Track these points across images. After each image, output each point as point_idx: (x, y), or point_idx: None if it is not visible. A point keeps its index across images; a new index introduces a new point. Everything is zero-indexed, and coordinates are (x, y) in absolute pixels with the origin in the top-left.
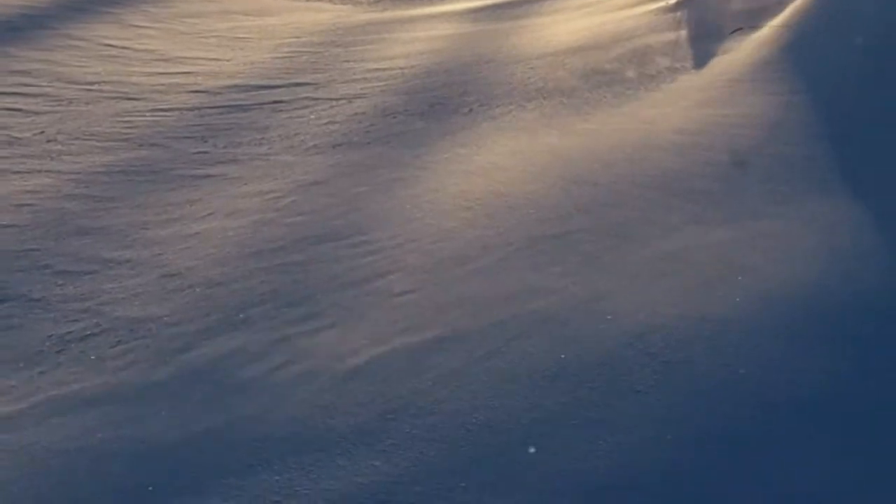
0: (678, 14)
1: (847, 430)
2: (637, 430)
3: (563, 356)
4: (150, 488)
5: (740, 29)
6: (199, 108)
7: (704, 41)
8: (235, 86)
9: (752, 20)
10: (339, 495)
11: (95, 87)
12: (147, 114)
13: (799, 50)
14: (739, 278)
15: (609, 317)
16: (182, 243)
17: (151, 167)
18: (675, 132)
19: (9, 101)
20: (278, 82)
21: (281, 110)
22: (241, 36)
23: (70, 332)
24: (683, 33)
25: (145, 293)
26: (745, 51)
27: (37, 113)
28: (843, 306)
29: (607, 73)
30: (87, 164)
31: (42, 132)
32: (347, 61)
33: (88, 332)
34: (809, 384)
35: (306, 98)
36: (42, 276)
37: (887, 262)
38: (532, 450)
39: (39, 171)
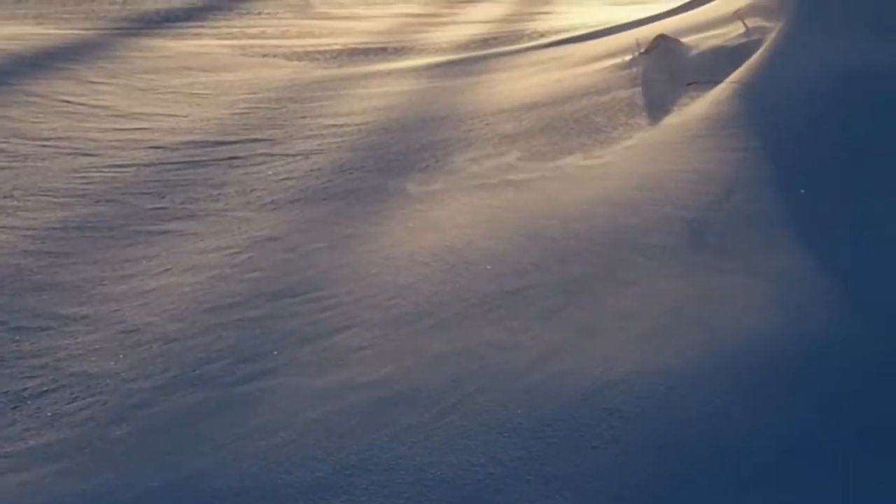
0: (633, 71)
1: (804, 478)
2: (593, 485)
3: (519, 411)
4: None
5: (695, 84)
6: (155, 164)
7: (659, 97)
8: (192, 142)
9: (707, 76)
10: None
11: (52, 142)
12: (104, 169)
13: (753, 106)
14: (694, 332)
15: (565, 372)
16: (139, 299)
17: (108, 223)
18: (630, 188)
19: None
20: (235, 138)
21: (238, 166)
22: (198, 92)
23: (26, 389)
24: (639, 90)
25: (102, 349)
26: (699, 107)
27: None
28: (795, 357)
29: (563, 129)
30: (44, 220)
31: None
32: (304, 117)
33: (45, 388)
34: (764, 434)
35: (263, 154)
36: None
37: (838, 314)
38: None
39: None
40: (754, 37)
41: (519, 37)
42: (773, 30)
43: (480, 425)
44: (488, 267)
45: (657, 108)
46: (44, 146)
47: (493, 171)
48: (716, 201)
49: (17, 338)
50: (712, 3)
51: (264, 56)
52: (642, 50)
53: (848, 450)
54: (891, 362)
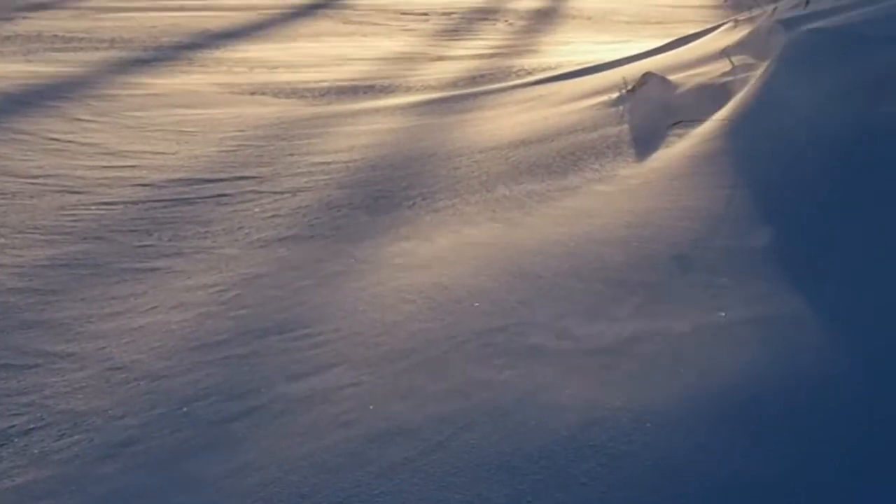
0: (620, 108)
1: None
2: None
3: (506, 448)
4: None
5: (681, 122)
6: (143, 202)
7: (647, 135)
8: (180, 179)
9: (694, 114)
10: None
11: (40, 180)
12: (92, 207)
13: (740, 143)
14: (681, 370)
15: (552, 409)
16: (126, 337)
17: (96, 261)
18: (617, 225)
19: None
20: (223, 176)
21: (225, 203)
22: (186, 129)
23: (13, 426)
24: (626, 127)
25: (89, 387)
26: (686, 144)
27: None
28: (782, 396)
29: (550, 166)
30: (31, 257)
31: None
32: (292, 155)
33: (32, 426)
34: (750, 472)
35: (251, 191)
36: None
37: (826, 352)
38: None
39: None
40: (741, 74)
41: (506, 74)
42: (760, 67)
43: (467, 462)
44: (475, 304)
45: (644, 146)
46: (32, 184)
47: (480, 208)
48: (703, 238)
49: (4, 375)
50: (699, 41)
51: (252, 93)
52: (629, 87)
53: (834, 488)
54: (878, 402)
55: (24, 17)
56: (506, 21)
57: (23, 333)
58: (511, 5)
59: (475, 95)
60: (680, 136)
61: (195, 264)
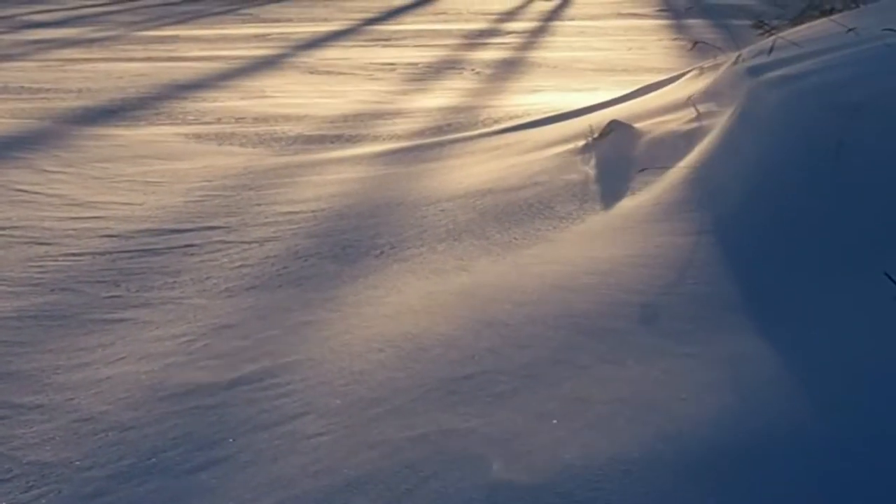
0: (586, 156)
1: None
2: None
3: (474, 496)
4: None
5: (647, 170)
6: (110, 253)
7: (612, 182)
8: (147, 230)
9: (660, 161)
10: None
11: (6, 231)
12: (59, 258)
13: (706, 190)
14: (648, 416)
15: (520, 456)
16: (94, 388)
17: (63, 312)
18: (584, 273)
19: None
20: (190, 226)
21: (193, 254)
22: (153, 180)
23: None
24: (592, 175)
25: (57, 438)
26: (652, 191)
27: None
28: (750, 441)
29: (517, 214)
30: None
31: None
32: (259, 204)
33: (0, 478)
34: None
35: (218, 241)
36: None
37: (793, 395)
38: None
39: None
40: (706, 122)
41: (473, 123)
42: (725, 115)
43: None
44: (443, 352)
45: (610, 193)
46: None
47: (447, 257)
48: (669, 285)
49: None
50: (664, 89)
51: (220, 144)
52: (595, 135)
53: None
54: (846, 446)
55: None
56: (472, 70)
57: None
58: (477, 55)
59: (442, 144)
60: (646, 183)
61: (163, 314)
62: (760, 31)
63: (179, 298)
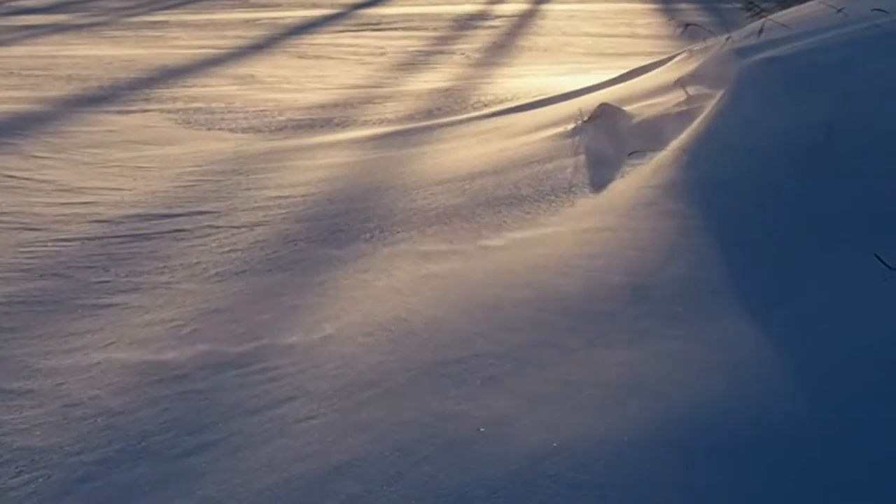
0: (576, 139)
1: None
2: None
3: (465, 480)
4: None
5: (637, 153)
6: (100, 238)
7: (602, 165)
8: (137, 215)
9: (649, 144)
10: None
11: None
12: (49, 244)
13: (695, 172)
14: (639, 399)
15: (510, 440)
16: (84, 373)
17: (53, 297)
18: (574, 256)
19: None
20: (180, 211)
21: (183, 239)
22: (143, 165)
23: None
24: (581, 158)
25: (46, 423)
26: (642, 174)
27: None
28: (740, 423)
29: (507, 198)
30: None
31: None
32: (249, 189)
33: None
34: (710, 500)
35: (208, 226)
36: None
37: (783, 377)
38: None
39: None
40: (696, 105)
41: (463, 107)
42: (715, 97)
43: (426, 494)
44: (433, 336)
45: (600, 176)
46: None
47: (437, 240)
48: (659, 267)
49: None
50: (654, 72)
51: (209, 129)
52: (585, 118)
53: None
54: (834, 426)
55: None
56: (462, 54)
57: None
58: (467, 39)
59: (432, 128)
60: (635, 166)
61: (153, 299)
62: (750, 14)
63: (169, 283)
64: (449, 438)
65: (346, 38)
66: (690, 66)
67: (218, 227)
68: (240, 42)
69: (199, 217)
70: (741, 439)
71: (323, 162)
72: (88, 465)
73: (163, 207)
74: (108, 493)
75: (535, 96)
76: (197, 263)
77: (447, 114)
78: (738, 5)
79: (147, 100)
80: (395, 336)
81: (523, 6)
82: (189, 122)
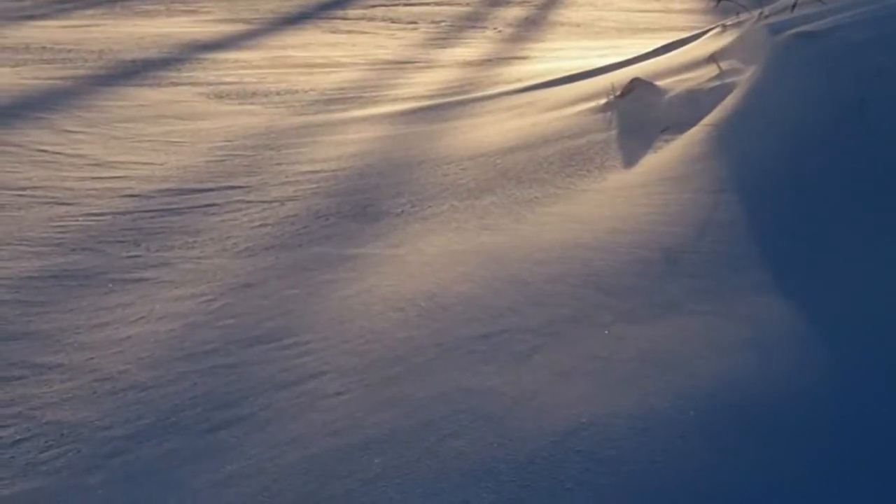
0: (608, 114)
1: None
2: None
3: (493, 455)
4: None
5: (669, 128)
6: (131, 212)
7: (634, 140)
8: (168, 189)
9: (682, 119)
10: None
11: (28, 192)
12: (80, 218)
13: (727, 148)
14: (668, 375)
15: (539, 415)
16: (114, 347)
17: (84, 271)
18: (605, 231)
19: None
20: (211, 185)
21: (213, 213)
22: (174, 140)
23: (0, 438)
24: (614, 133)
25: (76, 398)
26: (674, 149)
27: None
28: (769, 400)
29: (538, 173)
30: (19, 269)
31: None
32: (280, 164)
33: (19, 437)
34: (737, 476)
35: (239, 201)
36: None
37: (811, 356)
38: None
39: None
40: (729, 79)
41: (494, 82)
42: (748, 72)
43: (455, 469)
44: (463, 311)
45: (632, 151)
46: (20, 195)
47: (468, 215)
48: (689, 243)
49: None
50: (687, 47)
51: (241, 103)
52: (617, 93)
53: (817, 493)
54: (861, 407)
55: (11, 29)
56: (494, 29)
57: (9, 345)
58: (499, 13)
59: (463, 103)
60: (668, 141)
61: (183, 274)
62: None
63: (199, 258)
64: (478, 414)
65: (379, 12)
66: (723, 41)
67: (249, 201)
68: (271, 16)
69: (230, 192)
70: (769, 419)
71: (354, 137)
72: (118, 440)
73: (194, 182)
74: (137, 468)
75: (567, 71)
76: (227, 238)
77: (479, 88)
78: None
79: (178, 74)
80: (424, 311)
81: None
82: (220, 97)
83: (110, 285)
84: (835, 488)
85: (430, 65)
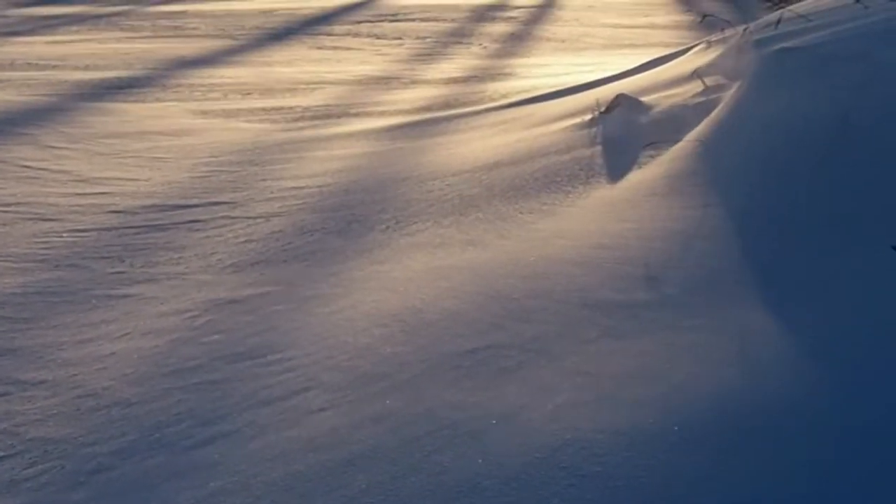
0: (593, 130)
1: None
2: None
3: (478, 471)
4: None
5: (654, 144)
6: (116, 229)
7: (619, 156)
8: (153, 206)
9: (667, 135)
10: None
11: (12, 208)
12: (64, 234)
13: (713, 163)
14: (654, 390)
15: (524, 431)
16: (98, 364)
17: (68, 288)
18: (590, 246)
19: None
20: (196, 201)
21: (198, 229)
22: (159, 156)
23: None
24: (599, 149)
25: (60, 414)
26: (659, 165)
27: None
28: (754, 414)
29: (523, 188)
30: (3, 285)
31: None
32: (265, 180)
33: (2, 454)
34: (725, 492)
35: (224, 217)
36: None
37: (797, 370)
38: None
39: None
40: (714, 95)
41: (480, 98)
42: (732, 87)
43: (439, 485)
44: (448, 327)
45: (617, 167)
46: (4, 212)
47: (453, 231)
48: (675, 258)
49: None
50: (672, 63)
51: (226, 119)
52: (602, 109)
53: None
54: (850, 418)
55: None
56: (480, 45)
57: None
58: (485, 29)
59: (449, 119)
60: (653, 157)
61: (168, 290)
62: (768, 4)
63: (184, 274)
64: (462, 430)
65: (364, 28)
66: (708, 57)
67: (234, 217)
68: (257, 32)
69: (215, 208)
70: (757, 433)
71: (340, 152)
72: (102, 456)
73: (179, 198)
74: (121, 484)
75: (552, 87)
76: (212, 254)
77: (464, 104)
78: None
79: (164, 90)
80: (409, 327)
81: None
82: (205, 113)
83: (94, 301)
84: (821, 501)
85: (415, 81)
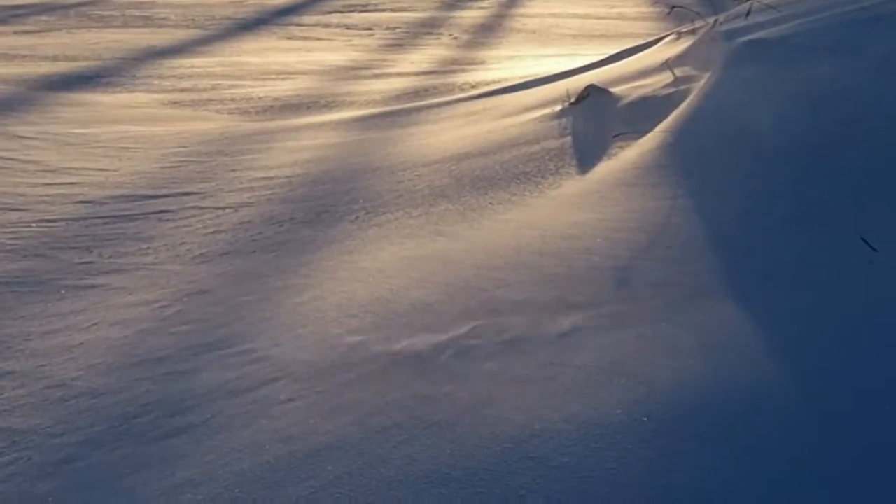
0: (563, 121)
1: None
2: None
3: (447, 462)
4: None
5: (624, 134)
6: (84, 219)
7: (589, 147)
8: (121, 196)
9: (636, 126)
10: None
11: None
12: (32, 224)
13: (681, 154)
14: (622, 382)
15: (492, 422)
16: (66, 354)
17: (36, 278)
18: (559, 237)
19: None
20: (164, 192)
21: (167, 219)
22: (128, 146)
23: None
24: (568, 140)
25: (27, 405)
26: (628, 156)
27: None
28: (723, 406)
29: (493, 179)
30: None
31: None
32: (234, 170)
33: None
34: (690, 483)
35: (193, 207)
36: None
37: (767, 362)
38: None
39: None
40: (683, 86)
41: (450, 88)
42: (702, 79)
43: (408, 476)
44: (417, 317)
45: (586, 158)
46: None
47: (422, 222)
48: (644, 250)
49: None
50: (641, 54)
51: (195, 109)
52: (572, 100)
53: (777, 497)
54: (819, 409)
55: None
56: (450, 35)
57: None
58: (455, 20)
59: (419, 109)
60: (622, 147)
61: (136, 281)
62: None
63: (153, 264)
64: (431, 421)
65: (335, 18)
66: (678, 48)
67: (203, 208)
68: (227, 22)
69: (184, 198)
70: (724, 424)
71: (309, 143)
72: (70, 447)
73: (147, 188)
74: (89, 475)
75: (522, 78)
76: (181, 244)
77: (434, 95)
78: None
79: (133, 80)
80: (378, 318)
81: None
82: (175, 103)
83: (63, 292)
84: (790, 492)
85: (385, 71)
